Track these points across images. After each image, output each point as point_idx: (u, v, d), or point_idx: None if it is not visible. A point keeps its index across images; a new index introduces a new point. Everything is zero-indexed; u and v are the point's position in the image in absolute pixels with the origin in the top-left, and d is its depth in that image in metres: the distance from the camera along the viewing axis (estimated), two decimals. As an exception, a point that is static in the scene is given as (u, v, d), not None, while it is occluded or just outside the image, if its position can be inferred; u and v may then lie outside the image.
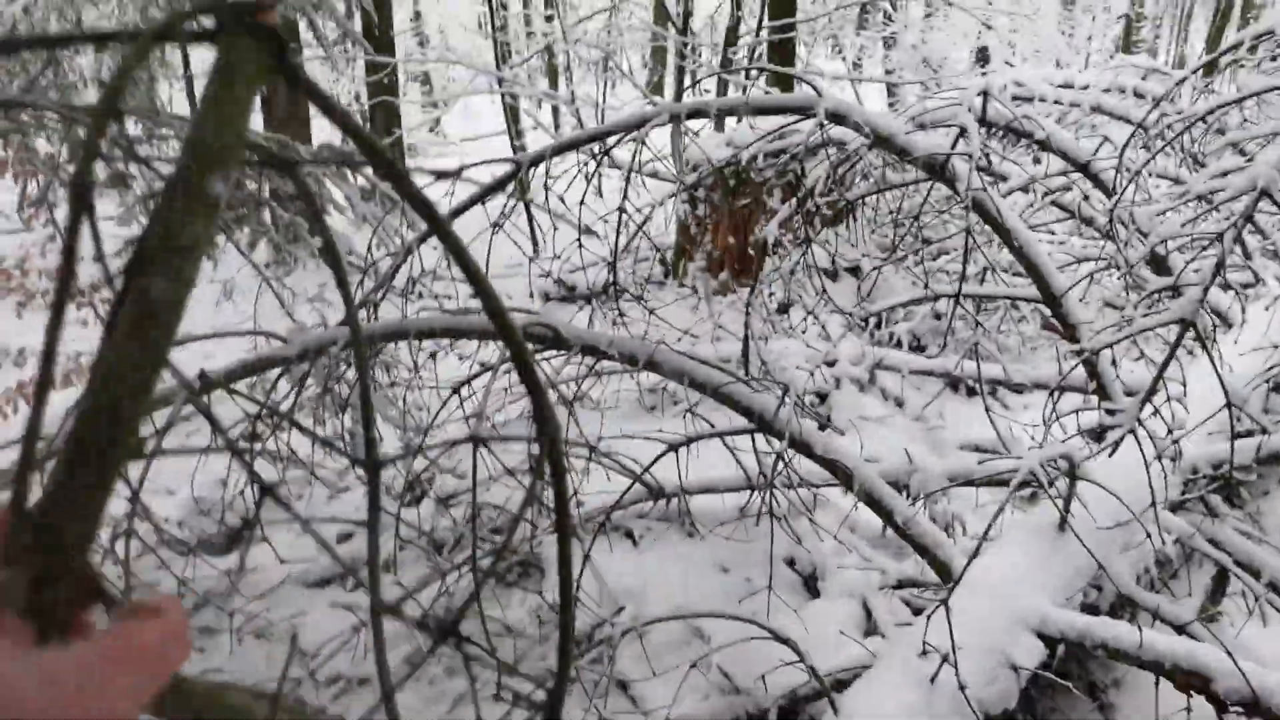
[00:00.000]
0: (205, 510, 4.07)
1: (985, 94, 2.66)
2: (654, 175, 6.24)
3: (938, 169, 2.41)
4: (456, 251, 0.69)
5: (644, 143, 2.19)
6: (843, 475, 2.19)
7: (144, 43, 0.57)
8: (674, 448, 2.31)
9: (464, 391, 2.21)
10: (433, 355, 2.31)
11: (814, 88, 2.23)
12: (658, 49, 16.54)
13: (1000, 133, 3.07)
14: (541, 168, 2.57)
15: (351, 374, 2.01)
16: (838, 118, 2.23)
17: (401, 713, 0.74)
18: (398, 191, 0.74)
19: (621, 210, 2.30)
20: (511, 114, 9.12)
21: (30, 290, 5.15)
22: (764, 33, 6.27)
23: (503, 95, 8.65)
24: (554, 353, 2.06)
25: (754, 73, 6.07)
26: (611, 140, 2.58)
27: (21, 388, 5.11)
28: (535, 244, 7.76)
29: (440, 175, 1.98)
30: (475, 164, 2.12)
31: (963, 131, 2.27)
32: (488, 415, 2.18)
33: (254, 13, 0.57)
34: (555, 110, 13.59)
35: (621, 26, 12.80)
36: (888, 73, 11.82)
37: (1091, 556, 1.92)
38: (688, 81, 6.75)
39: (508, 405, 3.19)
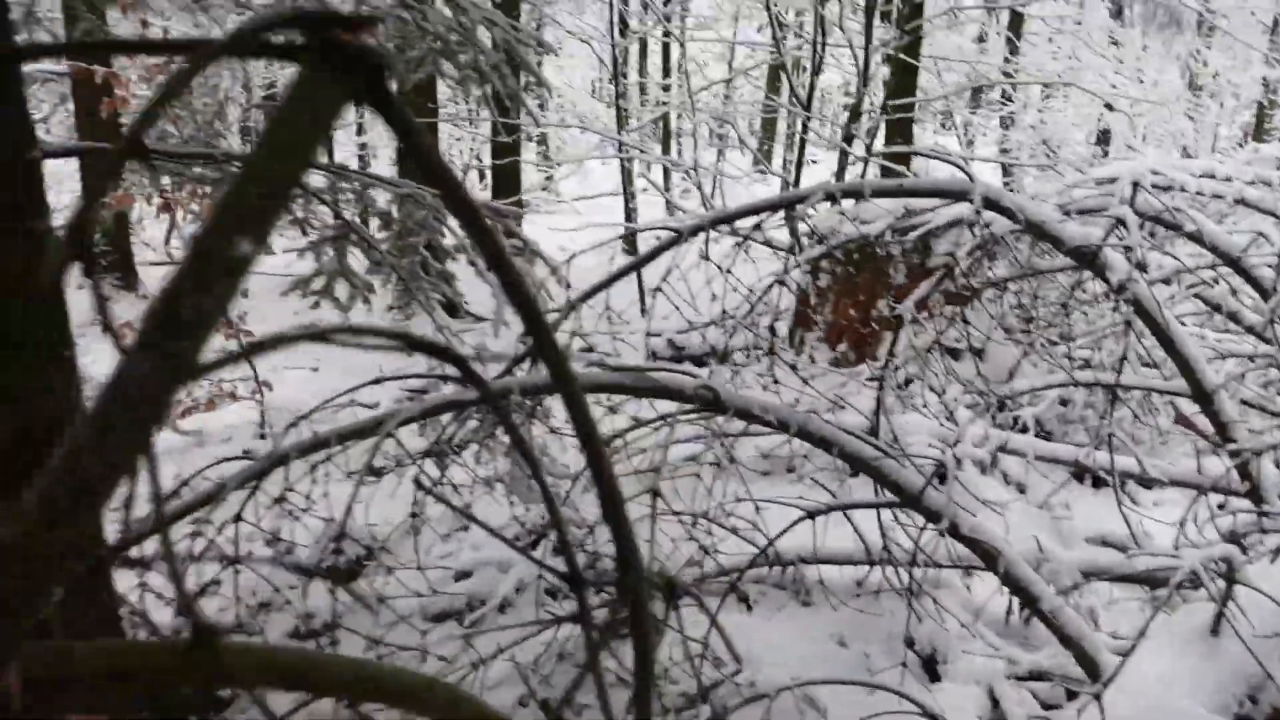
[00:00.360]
0: (334, 538, 4.28)
1: (1136, 184, 2.67)
2: (768, 244, 6.36)
3: (1088, 258, 2.42)
4: (537, 335, 0.56)
5: (804, 219, 2.30)
6: (986, 556, 2.18)
7: (199, 59, 0.45)
8: (811, 515, 2.35)
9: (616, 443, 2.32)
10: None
11: (967, 173, 2.29)
12: (767, 120, 16.87)
13: (1145, 223, 3.05)
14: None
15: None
16: (991, 203, 2.28)
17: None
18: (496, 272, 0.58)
19: (782, 282, 2.40)
20: (624, 175, 9.47)
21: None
22: (879, 111, 6.41)
23: (621, 160, 8.98)
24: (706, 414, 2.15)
25: (875, 148, 6.17)
26: (753, 217, 2.70)
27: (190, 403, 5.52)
28: (643, 306, 7.97)
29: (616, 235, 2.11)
30: (645, 228, 2.25)
31: (1119, 222, 2.28)
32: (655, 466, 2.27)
33: (346, 28, 0.44)
34: (665, 172, 14.01)
35: (735, 99, 13.17)
36: (1003, 152, 11.72)
37: (1258, 663, 1.85)
38: (808, 155, 6.89)
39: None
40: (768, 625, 3.26)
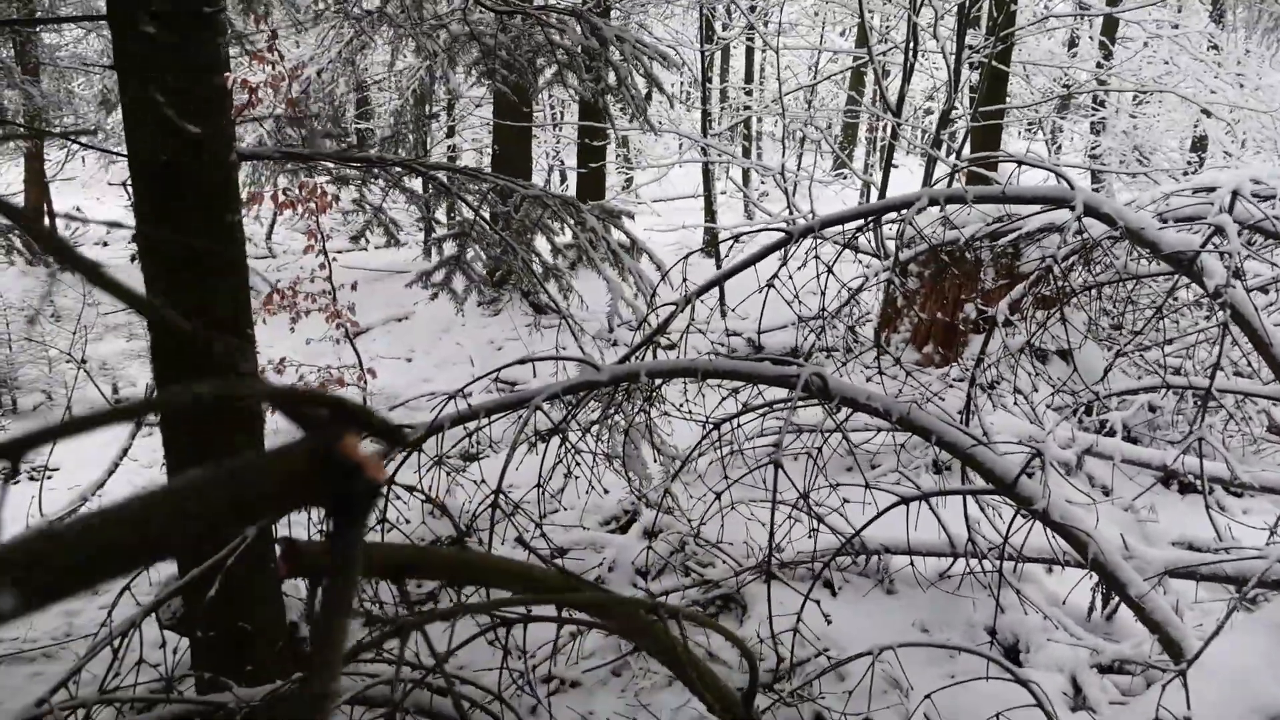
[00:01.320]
0: (432, 511, 4.58)
1: (1236, 193, 2.73)
2: (849, 247, 6.46)
3: (1185, 264, 2.51)
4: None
5: (911, 222, 2.45)
6: (1076, 542, 2.29)
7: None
8: (906, 501, 2.50)
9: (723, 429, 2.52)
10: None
11: (1068, 181, 2.40)
12: (848, 125, 16.84)
13: (1244, 231, 3.09)
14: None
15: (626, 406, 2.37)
16: (1091, 210, 2.39)
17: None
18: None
19: (891, 283, 2.55)
20: (705, 178, 9.67)
21: (301, 309, 5.98)
22: (969, 118, 6.47)
23: (705, 164, 9.19)
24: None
25: (963, 153, 6.22)
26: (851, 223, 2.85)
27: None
28: (723, 307, 8.14)
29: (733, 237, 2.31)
30: (757, 229, 2.44)
31: (1217, 230, 2.37)
32: (730, 453, 2.44)
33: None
34: (745, 175, 14.17)
35: (815, 104, 13.22)
36: (1093, 158, 11.49)
37: (1342, 652, 1.93)
38: (897, 158, 6.96)
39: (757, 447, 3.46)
40: (851, 610, 3.40)
